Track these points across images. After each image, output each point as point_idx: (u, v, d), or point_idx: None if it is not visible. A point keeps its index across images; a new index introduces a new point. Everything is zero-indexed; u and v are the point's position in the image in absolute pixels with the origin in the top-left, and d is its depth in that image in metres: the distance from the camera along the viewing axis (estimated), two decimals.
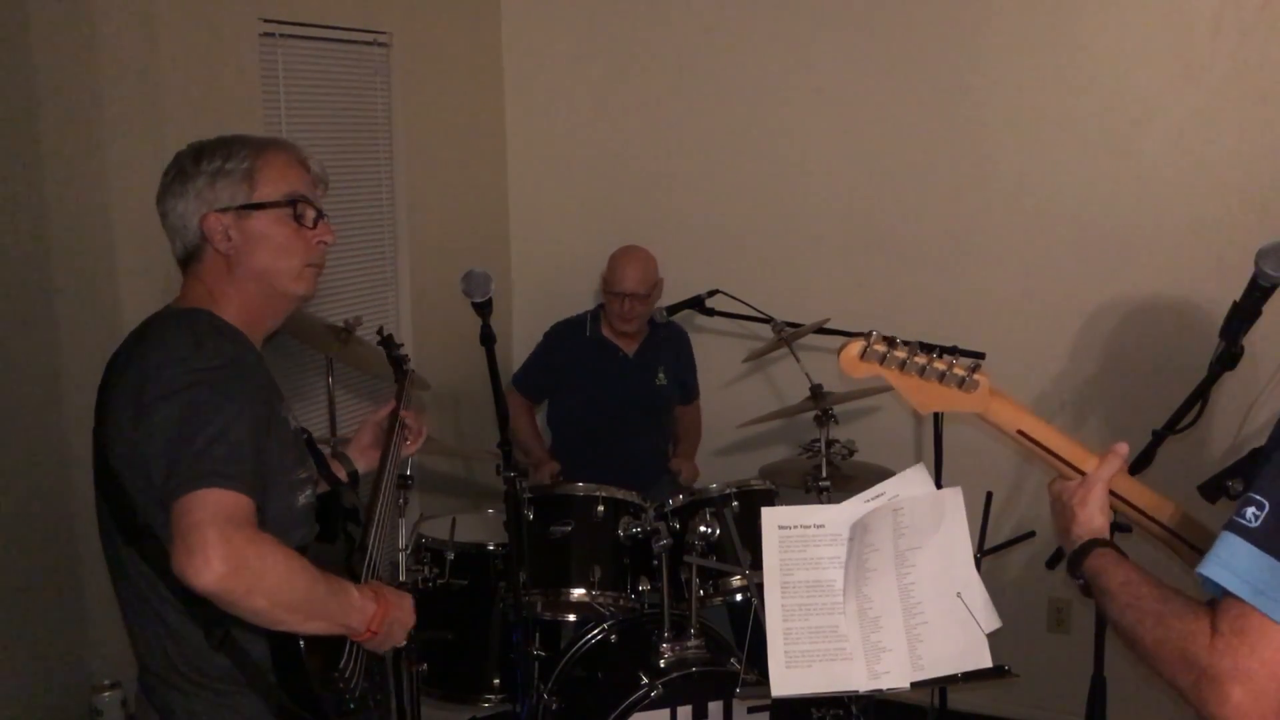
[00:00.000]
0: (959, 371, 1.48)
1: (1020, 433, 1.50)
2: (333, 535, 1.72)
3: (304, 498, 1.65)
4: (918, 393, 1.50)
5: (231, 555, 1.37)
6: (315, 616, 1.50)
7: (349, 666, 1.58)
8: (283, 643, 1.51)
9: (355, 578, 1.65)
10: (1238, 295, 2.22)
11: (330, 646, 1.56)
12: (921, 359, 1.48)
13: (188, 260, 1.63)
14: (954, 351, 1.51)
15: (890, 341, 1.48)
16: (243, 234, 1.59)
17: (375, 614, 1.58)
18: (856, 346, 1.48)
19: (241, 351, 1.57)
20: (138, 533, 1.51)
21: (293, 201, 1.63)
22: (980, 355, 1.99)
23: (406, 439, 2.11)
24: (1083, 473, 1.50)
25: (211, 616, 1.49)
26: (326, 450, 1.97)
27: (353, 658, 1.60)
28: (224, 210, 1.58)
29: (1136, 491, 1.53)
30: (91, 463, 1.58)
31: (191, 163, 1.60)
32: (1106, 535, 1.45)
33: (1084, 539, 1.44)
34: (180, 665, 1.56)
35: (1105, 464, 1.48)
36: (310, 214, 1.65)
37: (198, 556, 1.35)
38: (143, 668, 1.63)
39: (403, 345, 2.45)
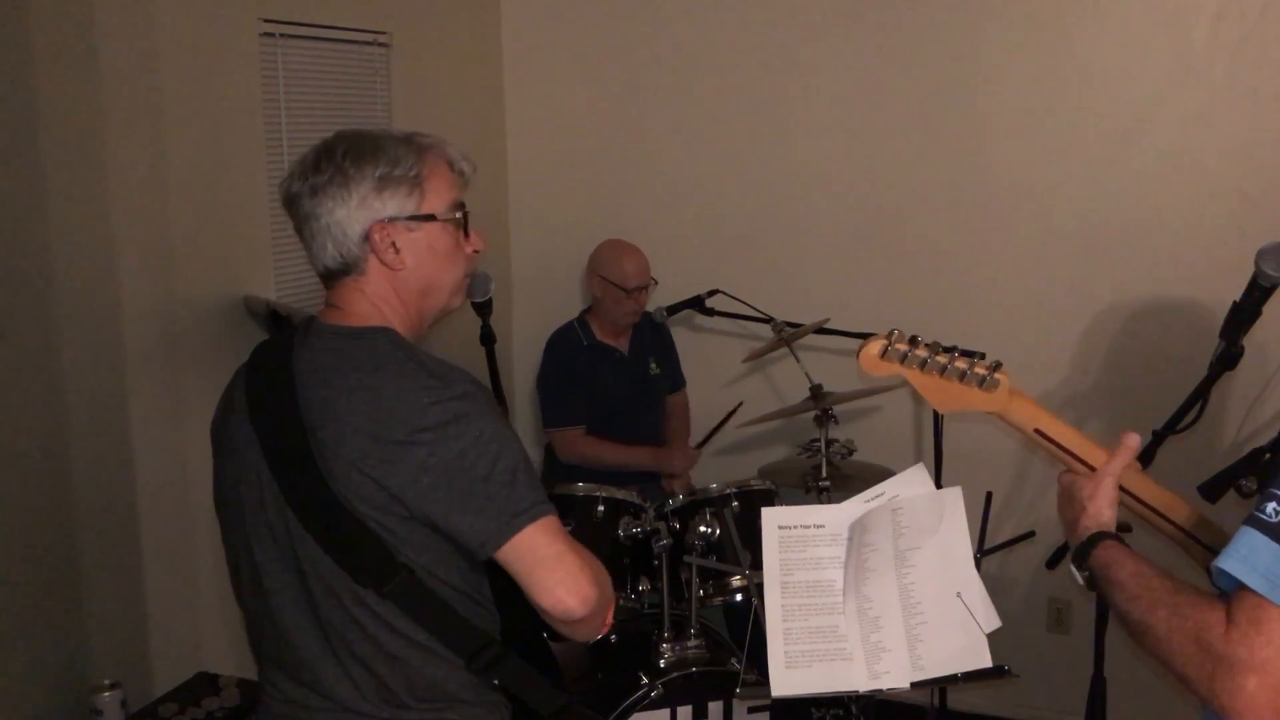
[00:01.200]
0: (980, 371, 1.47)
1: (1037, 431, 1.50)
2: None
3: None
4: (937, 392, 1.48)
5: (599, 576, 1.38)
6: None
7: None
8: (551, 651, 1.53)
9: None
10: (1238, 295, 2.22)
11: None
12: (943, 358, 1.46)
13: (343, 271, 1.49)
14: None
15: (912, 340, 1.46)
16: (409, 246, 1.49)
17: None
18: (877, 345, 1.46)
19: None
20: (390, 572, 1.39)
21: (463, 212, 1.55)
22: (980, 356, 1.98)
23: None
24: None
25: (476, 643, 1.45)
26: None
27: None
28: (392, 220, 1.48)
29: (1150, 490, 1.52)
30: (270, 502, 1.44)
31: (353, 165, 1.46)
32: (1114, 529, 1.44)
33: (1091, 530, 1.44)
34: (405, 697, 1.46)
35: (1116, 458, 1.47)
36: (467, 222, 1.56)
37: (580, 582, 1.35)
38: (303, 705, 1.50)
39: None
